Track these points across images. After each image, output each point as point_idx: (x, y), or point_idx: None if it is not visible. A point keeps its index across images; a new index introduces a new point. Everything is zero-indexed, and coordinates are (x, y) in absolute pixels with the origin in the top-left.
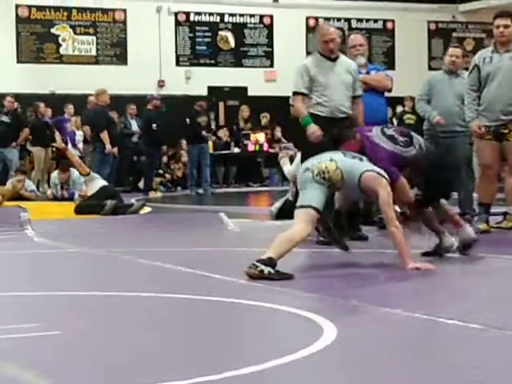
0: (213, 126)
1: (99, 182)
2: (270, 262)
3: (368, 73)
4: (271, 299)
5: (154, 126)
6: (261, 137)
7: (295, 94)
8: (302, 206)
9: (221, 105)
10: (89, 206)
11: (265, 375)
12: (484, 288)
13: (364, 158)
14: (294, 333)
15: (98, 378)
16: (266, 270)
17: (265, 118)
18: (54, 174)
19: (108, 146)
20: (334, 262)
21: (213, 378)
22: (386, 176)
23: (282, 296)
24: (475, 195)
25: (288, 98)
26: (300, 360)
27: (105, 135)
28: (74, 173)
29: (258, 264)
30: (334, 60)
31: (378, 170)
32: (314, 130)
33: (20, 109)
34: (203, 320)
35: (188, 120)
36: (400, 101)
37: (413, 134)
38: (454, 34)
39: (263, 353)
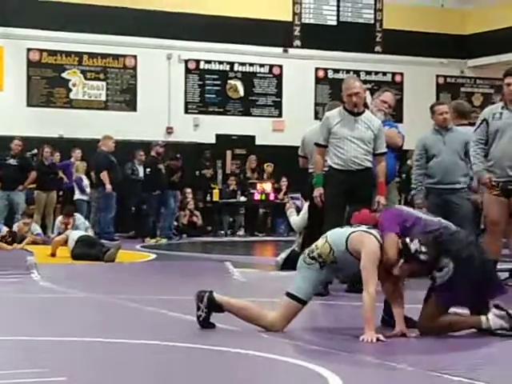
0: (219, 175)
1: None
2: (212, 304)
3: None
4: (277, 351)
5: (148, 171)
6: (267, 186)
7: (315, 144)
8: (288, 294)
9: (228, 153)
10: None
11: None
12: (490, 345)
13: (365, 227)
14: None
15: None
16: (202, 311)
17: (269, 168)
18: (59, 218)
19: (108, 186)
20: (340, 314)
21: None
22: (375, 233)
23: (287, 347)
24: None
25: (296, 147)
26: None
27: (104, 175)
28: (80, 219)
29: (201, 300)
30: (358, 114)
31: (367, 228)
32: (318, 195)
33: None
34: (208, 370)
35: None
36: (408, 154)
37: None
38: (462, 89)
39: None
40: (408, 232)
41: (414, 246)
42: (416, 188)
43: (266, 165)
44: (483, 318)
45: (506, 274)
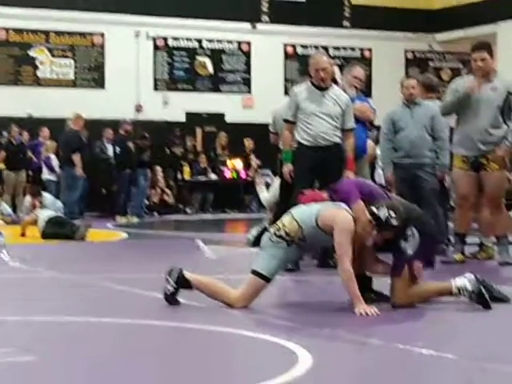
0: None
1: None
2: (179, 281)
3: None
4: (246, 327)
5: (118, 150)
6: (238, 163)
7: (284, 120)
8: (253, 271)
9: (198, 131)
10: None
11: None
12: (460, 318)
13: (331, 203)
14: (269, 360)
15: None
16: (171, 286)
17: (248, 142)
18: (27, 198)
19: (79, 170)
20: (310, 290)
21: None
22: (345, 207)
23: (256, 323)
24: (451, 225)
25: (266, 124)
26: None
27: (77, 158)
28: (47, 199)
29: (170, 275)
30: (325, 89)
31: (339, 204)
32: (287, 171)
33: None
34: (178, 348)
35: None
36: (376, 129)
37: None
38: (431, 64)
39: (238, 380)
40: (368, 198)
41: (383, 212)
42: (384, 162)
43: (245, 140)
44: (452, 282)
45: (476, 248)
